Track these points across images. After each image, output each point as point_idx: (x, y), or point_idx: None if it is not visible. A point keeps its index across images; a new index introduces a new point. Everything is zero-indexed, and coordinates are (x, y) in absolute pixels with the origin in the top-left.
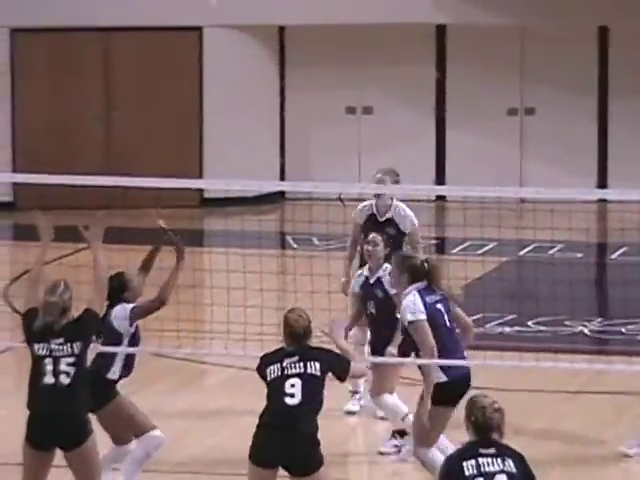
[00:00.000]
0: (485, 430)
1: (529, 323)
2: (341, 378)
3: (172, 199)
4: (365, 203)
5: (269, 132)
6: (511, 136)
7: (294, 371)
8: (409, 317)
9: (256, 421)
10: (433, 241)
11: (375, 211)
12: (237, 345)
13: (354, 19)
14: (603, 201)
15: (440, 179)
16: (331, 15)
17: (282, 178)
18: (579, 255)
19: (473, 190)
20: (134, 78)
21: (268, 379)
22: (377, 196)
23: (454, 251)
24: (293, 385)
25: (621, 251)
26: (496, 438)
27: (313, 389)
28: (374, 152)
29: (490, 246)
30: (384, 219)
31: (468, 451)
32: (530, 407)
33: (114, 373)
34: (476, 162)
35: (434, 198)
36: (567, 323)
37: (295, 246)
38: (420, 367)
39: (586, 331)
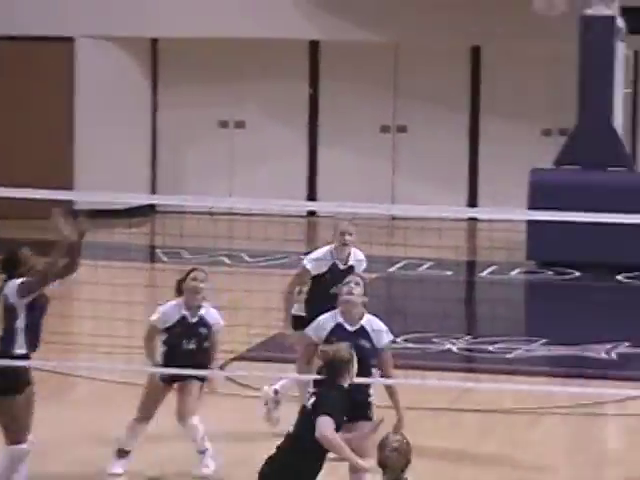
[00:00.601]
0: (382, 468)
1: (398, 339)
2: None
3: (42, 210)
4: (322, 254)
5: (141, 145)
6: (383, 153)
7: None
8: (391, 337)
9: (120, 433)
10: (303, 257)
11: (337, 259)
12: (104, 358)
13: (227, 33)
14: (473, 219)
15: (312, 195)
16: (204, 29)
17: (153, 191)
18: (448, 273)
19: (344, 206)
20: (4, 87)
21: None
22: (344, 244)
23: None
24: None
25: (490, 269)
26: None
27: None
28: (246, 166)
29: None
30: (346, 267)
31: None
32: None
33: (21, 346)
34: (348, 178)
35: (305, 214)
36: (435, 340)
37: (165, 259)
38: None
39: (454, 349)
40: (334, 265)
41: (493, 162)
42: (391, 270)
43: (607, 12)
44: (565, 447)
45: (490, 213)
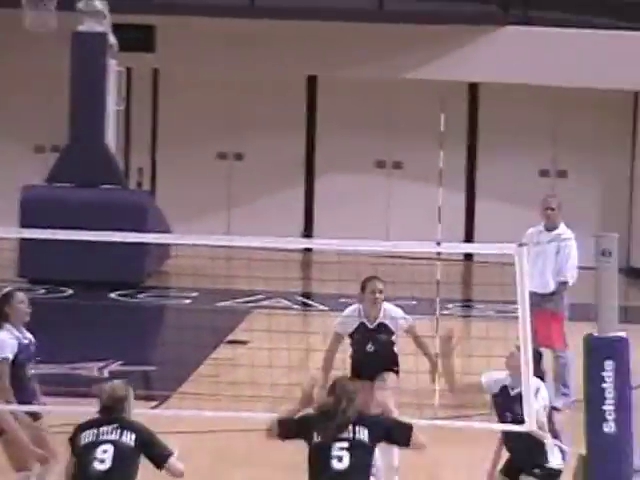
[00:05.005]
0: None
1: None
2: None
3: None
4: (350, 312)
5: None
6: None
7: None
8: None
9: None
10: None
11: (364, 318)
12: None
13: None
14: None
15: None
16: None
17: None
18: None
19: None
20: None
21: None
22: (374, 302)
23: None
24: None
25: None
26: None
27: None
28: None
29: None
30: (375, 325)
31: None
32: None
33: None
34: None
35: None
36: None
37: None
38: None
39: None
40: (362, 324)
41: None
42: None
43: (99, 29)
44: None
45: None
